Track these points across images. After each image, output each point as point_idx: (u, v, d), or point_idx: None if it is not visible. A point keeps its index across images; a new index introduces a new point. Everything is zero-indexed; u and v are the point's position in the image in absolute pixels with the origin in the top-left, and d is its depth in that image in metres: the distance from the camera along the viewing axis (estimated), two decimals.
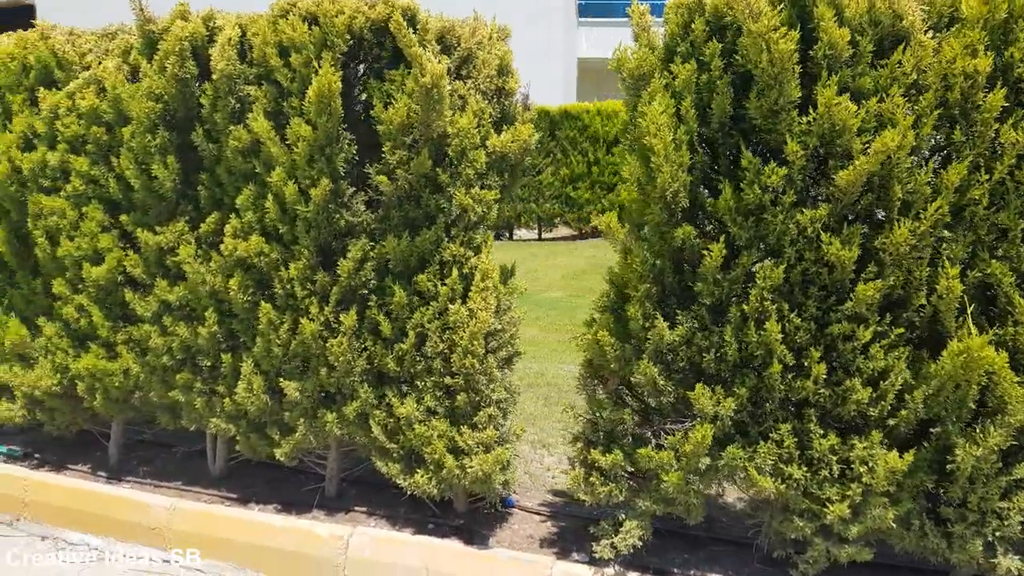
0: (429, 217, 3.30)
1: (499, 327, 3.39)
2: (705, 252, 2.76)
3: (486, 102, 3.33)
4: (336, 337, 3.32)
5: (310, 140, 3.13)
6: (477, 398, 3.29)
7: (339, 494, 3.81)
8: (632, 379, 2.97)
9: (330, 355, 3.33)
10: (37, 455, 4.33)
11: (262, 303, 3.39)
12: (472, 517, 3.59)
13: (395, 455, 3.43)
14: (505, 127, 3.38)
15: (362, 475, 3.92)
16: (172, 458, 4.29)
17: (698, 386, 2.79)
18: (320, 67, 3.11)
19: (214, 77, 3.27)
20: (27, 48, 3.96)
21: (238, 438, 3.70)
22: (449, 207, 3.28)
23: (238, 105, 3.32)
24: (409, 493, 3.39)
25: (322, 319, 3.33)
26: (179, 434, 4.38)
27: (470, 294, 3.28)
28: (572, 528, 3.55)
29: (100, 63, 3.75)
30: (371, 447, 3.52)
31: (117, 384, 3.78)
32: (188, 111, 3.49)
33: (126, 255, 3.71)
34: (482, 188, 3.30)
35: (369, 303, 3.36)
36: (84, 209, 3.79)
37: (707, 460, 2.82)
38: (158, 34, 3.52)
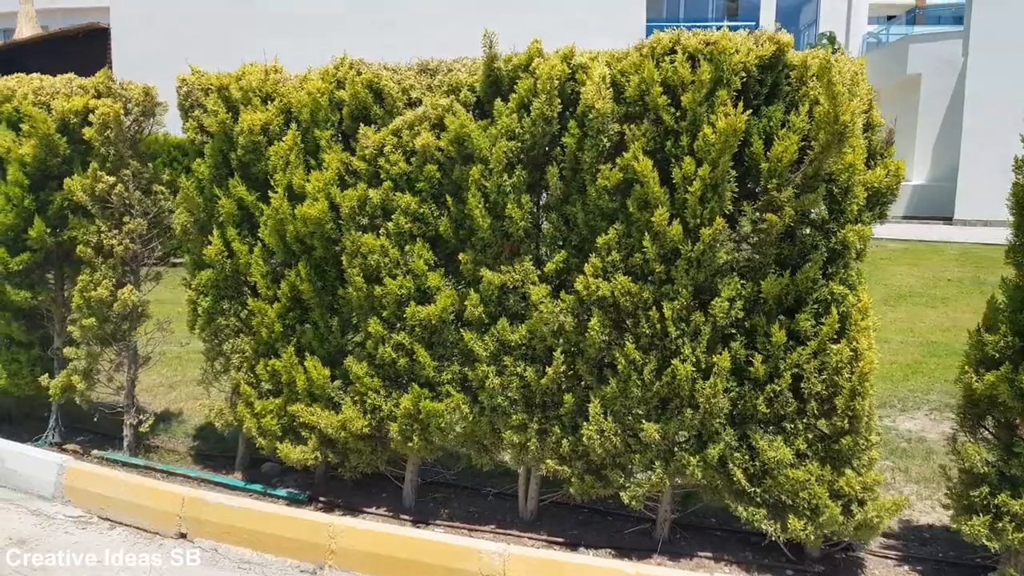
0: (803, 254, 3.24)
1: None
2: None
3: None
4: (709, 378, 3.24)
5: (705, 179, 3.08)
6: (861, 440, 3.20)
7: (670, 537, 3.70)
8: None
9: (699, 396, 3.25)
10: (322, 498, 4.25)
11: (626, 343, 3.32)
12: (830, 563, 3.47)
13: (758, 499, 3.33)
14: (874, 161, 3.33)
15: (679, 516, 3.81)
16: (470, 499, 4.19)
17: None
18: (714, 105, 3.08)
19: (589, 116, 3.24)
20: (337, 83, 3.95)
21: (572, 480, 3.61)
22: (825, 243, 3.22)
23: (607, 143, 3.29)
24: (739, 535, 3.28)
25: (694, 360, 3.25)
26: (469, 474, 4.32)
27: (850, 333, 3.20)
28: (930, 572, 3.42)
29: (423, 100, 3.74)
30: (725, 491, 3.42)
31: (443, 425, 3.71)
32: (540, 149, 3.46)
33: (461, 293, 3.66)
34: (858, 223, 3.23)
35: (734, 343, 3.29)
36: (407, 247, 3.76)
37: None
38: (507, 71, 3.51)
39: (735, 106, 3.08)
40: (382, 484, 4.31)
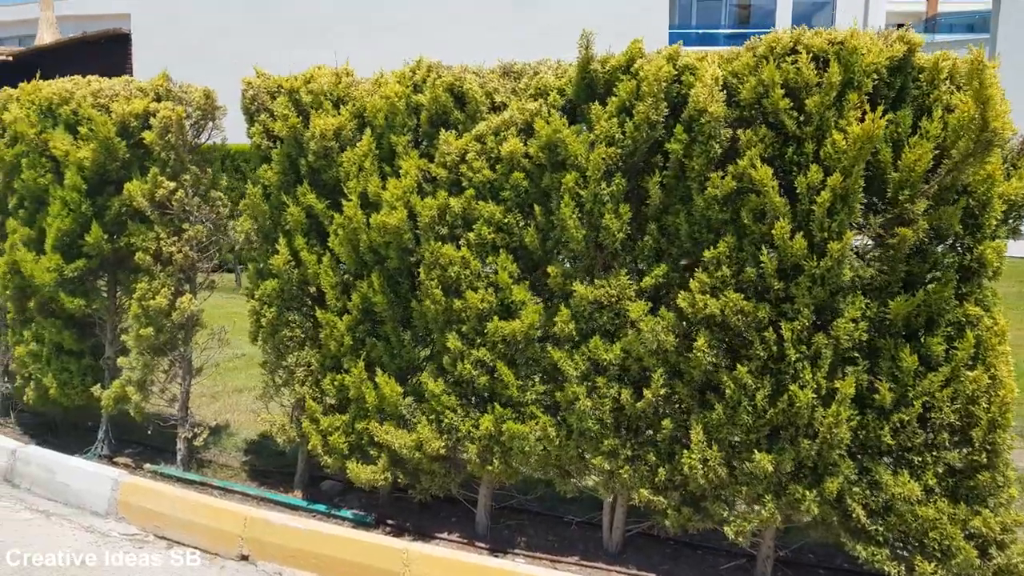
0: (933, 271, 2.97)
1: None
2: None
3: None
4: (830, 406, 2.98)
5: (835, 189, 2.83)
6: (999, 476, 2.92)
7: (772, 575, 3.44)
8: None
9: (818, 425, 2.99)
10: (390, 521, 4.03)
11: (737, 366, 3.07)
12: None
13: (879, 538, 3.06)
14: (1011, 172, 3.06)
15: (781, 553, 3.54)
16: (548, 527, 3.94)
17: None
18: (843, 110, 2.83)
19: (700, 121, 3.00)
20: (414, 87, 3.75)
21: (668, 511, 3.36)
22: (959, 260, 2.95)
23: (719, 150, 3.04)
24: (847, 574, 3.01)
25: (814, 385, 2.99)
26: (545, 499, 4.09)
27: (986, 358, 2.93)
28: None
29: (508, 104, 3.52)
30: (840, 527, 3.15)
31: (527, 448, 3.48)
32: (640, 156, 3.23)
33: (551, 308, 3.43)
34: (995, 239, 2.97)
35: (855, 367, 3.03)
36: (490, 259, 3.54)
37: None
38: (603, 74, 3.28)
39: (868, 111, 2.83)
40: (451, 507, 4.08)
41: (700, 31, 30.23)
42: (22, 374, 5.04)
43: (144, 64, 17.68)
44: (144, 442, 5.08)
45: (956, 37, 24.31)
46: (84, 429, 5.39)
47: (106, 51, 17.75)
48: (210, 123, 4.46)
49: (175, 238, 4.38)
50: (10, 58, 19.65)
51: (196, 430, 4.60)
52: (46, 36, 23.30)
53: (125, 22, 19.09)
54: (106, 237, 4.45)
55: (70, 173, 4.38)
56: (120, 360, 4.58)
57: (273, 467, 4.76)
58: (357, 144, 3.82)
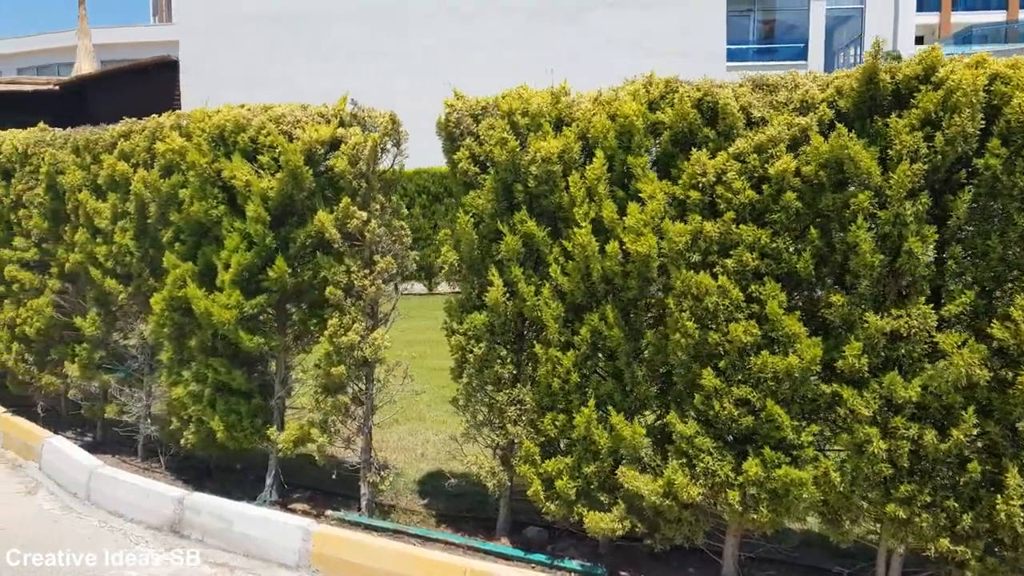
0: None
1: None
2: None
3: None
4: None
5: None
6: None
7: None
8: None
9: None
10: (622, 573, 3.73)
11: None
12: None
13: None
14: None
15: None
16: None
17: None
18: None
19: None
20: (649, 105, 3.51)
21: (971, 562, 3.05)
22: None
23: None
24: None
25: None
26: (795, 547, 3.79)
27: None
28: None
29: (769, 119, 3.26)
30: None
31: (804, 495, 3.18)
32: (942, 172, 2.96)
33: (830, 341, 3.15)
34: None
35: None
36: (752, 288, 3.27)
37: None
38: (894, 84, 3.03)
39: None
40: (686, 556, 3.78)
41: (731, 47, 30.19)
42: (180, 416, 4.79)
43: (190, 90, 17.70)
44: (314, 486, 4.81)
45: (1000, 47, 24.08)
46: (241, 472, 5.13)
47: (154, 79, 17.73)
48: (396, 149, 4.23)
49: (366, 271, 4.13)
50: (56, 87, 19.71)
51: (383, 473, 4.33)
52: (84, 65, 23.41)
53: (173, 48, 19.16)
54: (289, 271, 4.21)
55: (253, 204, 4.15)
56: (301, 399, 4.33)
57: (458, 510, 4.48)
58: (586, 167, 3.57)
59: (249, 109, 4.37)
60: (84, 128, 5.74)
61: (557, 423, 3.75)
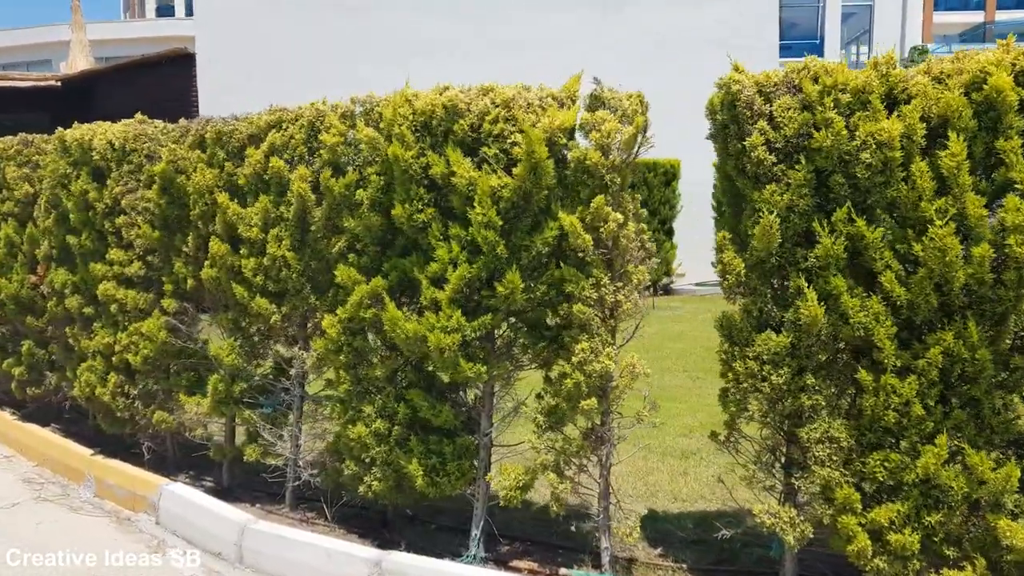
0: None
1: None
2: None
3: None
4: None
5: None
6: None
7: None
8: None
9: None
10: None
11: None
12: None
13: None
14: None
15: None
16: None
17: None
18: None
19: None
20: (1016, 76, 2.89)
21: None
22: None
23: None
24: None
25: None
26: None
27: None
28: None
29: None
30: None
31: None
32: None
33: None
34: None
35: None
36: None
37: None
38: None
39: None
40: None
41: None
42: (360, 458, 4.04)
43: (207, 84, 16.62)
44: (519, 536, 4.10)
45: None
46: (422, 522, 4.40)
47: (167, 73, 16.62)
48: (643, 136, 3.54)
49: (620, 283, 3.45)
50: (57, 84, 18.47)
51: (630, 523, 3.64)
52: (79, 60, 22.15)
53: (164, 45, 17.96)
54: (522, 286, 3.50)
55: (480, 207, 3.42)
56: (529, 438, 3.62)
57: (709, 562, 3.82)
58: (934, 153, 2.95)
59: (464, 91, 3.64)
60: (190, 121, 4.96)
61: (887, 464, 3.11)
